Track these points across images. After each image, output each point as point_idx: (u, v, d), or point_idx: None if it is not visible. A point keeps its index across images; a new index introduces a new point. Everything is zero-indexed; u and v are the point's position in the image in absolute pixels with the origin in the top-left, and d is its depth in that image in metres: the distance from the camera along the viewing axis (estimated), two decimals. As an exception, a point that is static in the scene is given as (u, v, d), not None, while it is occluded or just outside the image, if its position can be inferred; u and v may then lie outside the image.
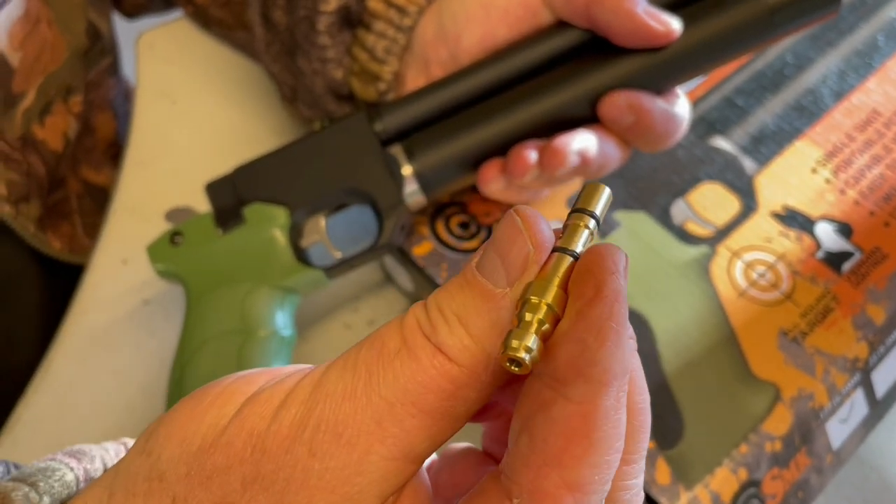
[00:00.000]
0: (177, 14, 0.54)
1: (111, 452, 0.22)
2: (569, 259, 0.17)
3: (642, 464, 0.18)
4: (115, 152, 0.55)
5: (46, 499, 0.20)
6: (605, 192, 0.18)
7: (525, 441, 0.17)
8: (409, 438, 0.17)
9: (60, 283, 0.46)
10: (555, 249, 0.18)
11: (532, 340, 0.16)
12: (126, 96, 0.57)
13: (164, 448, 0.18)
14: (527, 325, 0.17)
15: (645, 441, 0.18)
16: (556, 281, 0.17)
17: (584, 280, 0.17)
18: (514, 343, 0.16)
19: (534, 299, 0.17)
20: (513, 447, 0.17)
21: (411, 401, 0.17)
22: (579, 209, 0.18)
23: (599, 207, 0.18)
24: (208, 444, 0.18)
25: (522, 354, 0.16)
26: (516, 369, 0.17)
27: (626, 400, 0.17)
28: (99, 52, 0.49)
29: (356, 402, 0.17)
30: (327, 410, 0.17)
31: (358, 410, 0.17)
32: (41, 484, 0.20)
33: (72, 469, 0.21)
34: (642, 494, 0.19)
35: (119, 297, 0.42)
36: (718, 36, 0.34)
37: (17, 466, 0.21)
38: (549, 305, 0.17)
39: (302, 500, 0.17)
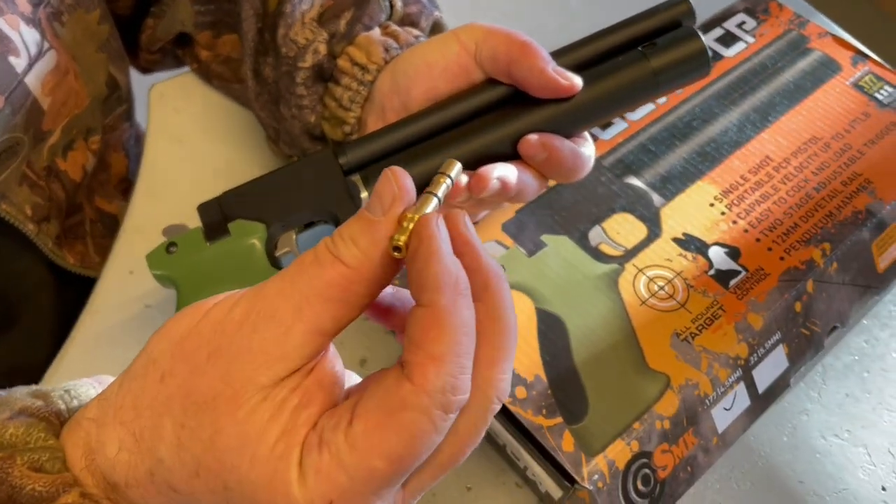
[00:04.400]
0: (184, 69, 0.63)
1: None
2: (433, 197, 0.27)
3: (506, 365, 0.26)
4: (125, 187, 0.63)
5: (75, 402, 0.27)
6: (458, 165, 0.28)
7: (406, 337, 0.25)
8: (319, 318, 0.25)
9: (73, 292, 0.54)
10: (426, 192, 0.27)
11: (406, 236, 0.26)
12: (137, 140, 0.66)
13: (157, 345, 0.26)
14: (403, 229, 0.26)
15: (507, 344, 0.26)
16: (423, 207, 0.27)
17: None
18: (396, 237, 0.26)
19: (408, 215, 0.26)
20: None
21: (319, 293, 0.25)
22: (441, 172, 0.28)
23: (454, 173, 0.28)
24: (186, 334, 0.26)
25: (401, 243, 0.26)
26: (398, 254, 0.26)
27: (467, 301, 0.25)
28: (116, 101, 0.58)
29: (283, 296, 0.26)
30: (265, 304, 0.26)
31: (284, 301, 0.25)
32: (72, 391, 0.28)
33: (94, 387, 0.29)
34: (508, 389, 0.26)
35: (125, 301, 0.50)
36: (613, 91, 0.42)
37: None
38: (416, 219, 0.26)
39: (248, 359, 0.25)
